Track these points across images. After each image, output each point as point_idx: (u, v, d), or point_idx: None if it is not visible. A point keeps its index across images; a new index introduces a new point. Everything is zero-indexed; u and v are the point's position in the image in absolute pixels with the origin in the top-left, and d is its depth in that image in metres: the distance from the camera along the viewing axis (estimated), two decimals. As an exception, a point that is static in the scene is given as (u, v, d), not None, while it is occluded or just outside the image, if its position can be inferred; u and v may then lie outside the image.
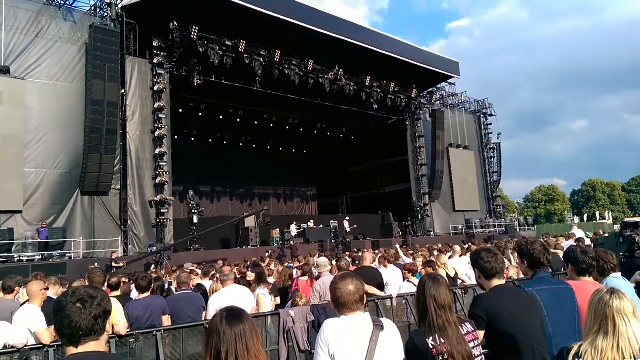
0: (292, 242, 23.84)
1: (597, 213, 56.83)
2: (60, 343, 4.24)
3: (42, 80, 18.09)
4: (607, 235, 11.51)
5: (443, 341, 2.63)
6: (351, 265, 7.97)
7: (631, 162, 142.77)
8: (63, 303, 1.94)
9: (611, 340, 2.06)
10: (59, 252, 17.32)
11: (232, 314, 2.08)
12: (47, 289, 5.30)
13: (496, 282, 3.19)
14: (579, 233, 12.68)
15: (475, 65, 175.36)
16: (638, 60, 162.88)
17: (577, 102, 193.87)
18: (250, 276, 6.86)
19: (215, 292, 6.07)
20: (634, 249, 6.60)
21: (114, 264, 16.14)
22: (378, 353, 2.52)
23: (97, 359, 1.92)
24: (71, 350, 1.92)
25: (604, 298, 2.14)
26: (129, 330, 4.97)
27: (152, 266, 16.44)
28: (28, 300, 5.05)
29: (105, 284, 5.69)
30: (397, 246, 14.59)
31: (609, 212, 56.87)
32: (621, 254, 4.02)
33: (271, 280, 7.91)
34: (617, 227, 35.65)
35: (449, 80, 34.11)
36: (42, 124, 17.99)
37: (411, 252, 12.82)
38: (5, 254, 16.14)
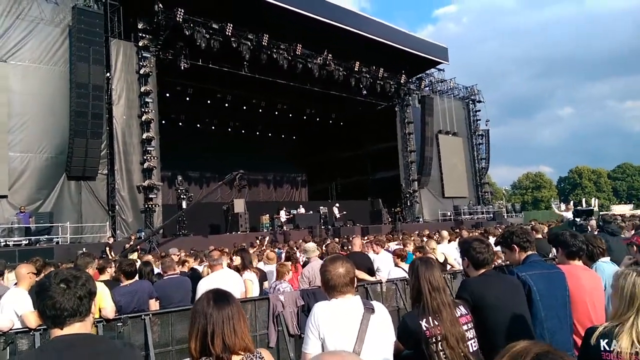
0: (284, 227, 23.85)
1: (584, 200, 57.49)
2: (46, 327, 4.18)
3: (25, 63, 17.68)
4: (562, 223, 11.56)
5: (437, 323, 2.63)
6: (339, 251, 7.97)
7: (617, 150, 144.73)
8: (46, 284, 1.89)
9: None
10: (46, 237, 17.12)
11: (219, 296, 2.07)
12: (36, 273, 5.21)
13: (482, 270, 3.20)
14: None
15: (463, 52, 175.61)
16: (623, 49, 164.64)
17: (564, 89, 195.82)
18: (236, 260, 6.85)
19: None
20: None
21: (107, 249, 15.99)
22: (369, 336, 2.50)
23: (85, 340, 1.87)
24: (56, 332, 1.86)
25: (637, 281, 2.16)
26: (116, 315, 4.92)
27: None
28: (16, 283, 4.98)
29: (94, 268, 5.60)
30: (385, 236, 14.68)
31: (595, 199, 57.57)
32: None
33: (261, 265, 7.88)
34: (602, 214, 36.08)
35: (437, 67, 34.05)
36: (26, 108, 17.60)
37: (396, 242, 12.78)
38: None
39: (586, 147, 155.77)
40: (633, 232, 7.30)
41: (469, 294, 3.03)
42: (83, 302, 1.88)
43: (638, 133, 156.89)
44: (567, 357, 1.16)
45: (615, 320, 2.18)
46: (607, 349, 2.10)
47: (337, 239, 15.76)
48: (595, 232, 7.00)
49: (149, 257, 9.29)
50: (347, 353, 1.06)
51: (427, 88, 34.05)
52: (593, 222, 7.73)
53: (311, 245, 7.30)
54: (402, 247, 8.26)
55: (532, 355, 1.15)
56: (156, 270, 7.75)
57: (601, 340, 2.14)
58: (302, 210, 26.51)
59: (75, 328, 1.87)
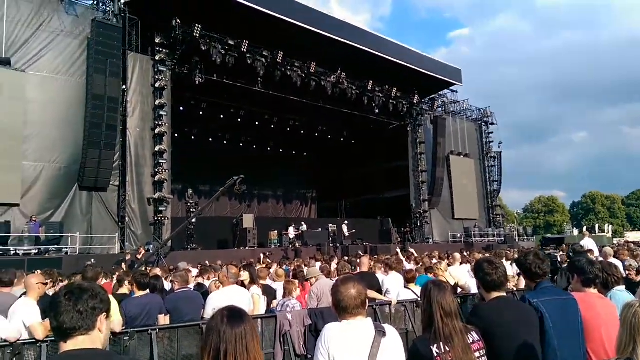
0: (296, 244, 23.75)
1: (597, 226, 56.75)
2: (53, 338, 4.16)
3: (43, 73, 17.99)
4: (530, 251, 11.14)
5: (448, 349, 2.57)
6: (349, 270, 7.91)
7: (631, 175, 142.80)
8: (56, 295, 1.91)
9: None
10: (55, 246, 17.20)
11: (233, 314, 2.05)
12: (46, 284, 5.20)
13: (495, 294, 3.13)
14: (589, 244, 12.16)
15: (476, 75, 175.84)
16: (637, 75, 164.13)
17: (577, 114, 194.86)
18: (244, 276, 6.81)
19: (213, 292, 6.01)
20: (555, 268, 6.08)
21: (123, 264, 16.13)
22: (380, 359, 2.45)
23: (92, 357, 1.84)
24: (62, 347, 1.84)
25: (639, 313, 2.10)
26: (124, 328, 4.89)
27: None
28: (25, 293, 4.98)
29: (101, 280, 5.60)
30: (398, 250, 14.49)
31: (608, 225, 56.78)
32: None
33: (269, 282, 7.83)
34: (616, 241, 35.47)
35: (450, 88, 34.10)
36: (42, 118, 17.86)
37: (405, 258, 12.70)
38: (1, 247, 16.03)
39: (600, 173, 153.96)
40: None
41: (480, 320, 2.98)
42: (83, 316, 1.84)
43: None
44: None
45: (620, 354, 2.13)
46: None
47: (345, 257, 15.65)
48: (565, 265, 6.58)
49: (157, 271, 9.26)
50: None
51: (440, 109, 34.02)
52: (562, 253, 7.35)
53: (313, 270, 7.38)
54: (414, 267, 8.18)
55: None
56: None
57: None
58: (304, 227, 26.33)
59: (79, 342, 1.83)
